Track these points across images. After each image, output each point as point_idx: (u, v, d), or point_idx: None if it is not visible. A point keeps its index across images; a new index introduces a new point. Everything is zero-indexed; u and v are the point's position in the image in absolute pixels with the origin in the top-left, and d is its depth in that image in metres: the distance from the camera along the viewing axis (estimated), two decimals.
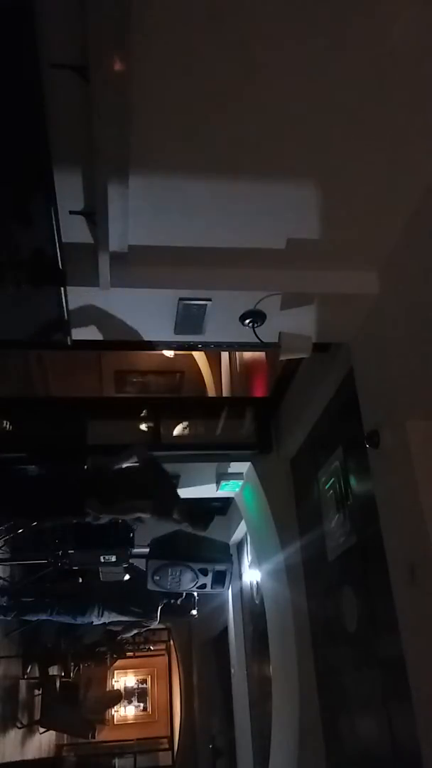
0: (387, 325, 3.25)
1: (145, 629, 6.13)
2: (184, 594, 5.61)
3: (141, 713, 14.04)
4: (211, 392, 8.12)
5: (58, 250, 2.80)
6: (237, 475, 5.78)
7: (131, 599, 5.47)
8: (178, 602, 5.62)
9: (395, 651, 3.12)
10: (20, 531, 4.62)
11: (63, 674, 7.72)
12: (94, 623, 5.58)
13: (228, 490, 5.97)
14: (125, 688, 13.71)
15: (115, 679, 13.60)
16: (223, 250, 3.09)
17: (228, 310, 3.33)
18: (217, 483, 5.79)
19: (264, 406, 5.69)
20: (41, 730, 7.99)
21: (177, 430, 5.82)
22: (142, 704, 14.09)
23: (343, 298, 3.34)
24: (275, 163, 2.64)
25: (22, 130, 2.28)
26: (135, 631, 6.14)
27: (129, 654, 10.82)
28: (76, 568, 5.24)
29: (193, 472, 5.69)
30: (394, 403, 3.19)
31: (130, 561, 5.13)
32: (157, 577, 4.41)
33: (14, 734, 6.88)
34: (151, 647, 11.05)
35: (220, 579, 4.49)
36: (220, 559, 4.52)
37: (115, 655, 9.32)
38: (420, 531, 2.84)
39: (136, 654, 11.61)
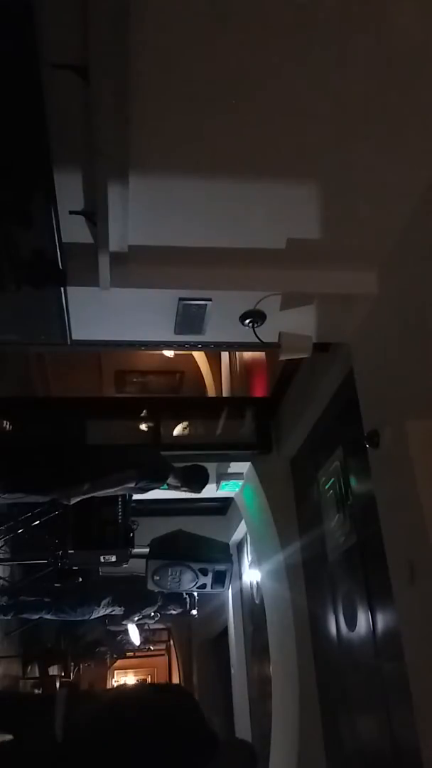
0: (387, 325, 3.26)
1: (151, 610, 6.06)
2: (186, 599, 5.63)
3: None
4: (211, 392, 8.12)
5: (58, 250, 2.80)
6: (237, 475, 5.79)
7: (131, 592, 5.49)
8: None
9: (395, 651, 3.13)
10: (20, 531, 4.61)
11: (63, 674, 7.70)
12: (93, 615, 5.59)
13: (228, 490, 5.98)
14: None
15: (115, 679, 13.59)
16: (223, 250, 3.09)
17: (228, 310, 3.33)
18: (217, 483, 5.79)
19: (264, 406, 5.69)
20: None
21: (177, 430, 5.82)
22: None
23: (343, 298, 3.34)
24: (275, 163, 2.63)
25: (22, 130, 2.28)
26: (138, 617, 6.09)
27: (129, 654, 10.79)
28: (76, 568, 5.24)
29: None
30: (394, 403, 3.19)
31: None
32: (157, 577, 4.41)
33: None
34: (151, 647, 11.03)
35: (220, 579, 4.49)
36: (220, 559, 4.52)
37: (115, 655, 9.30)
38: (420, 531, 2.84)
39: (136, 654, 11.59)
